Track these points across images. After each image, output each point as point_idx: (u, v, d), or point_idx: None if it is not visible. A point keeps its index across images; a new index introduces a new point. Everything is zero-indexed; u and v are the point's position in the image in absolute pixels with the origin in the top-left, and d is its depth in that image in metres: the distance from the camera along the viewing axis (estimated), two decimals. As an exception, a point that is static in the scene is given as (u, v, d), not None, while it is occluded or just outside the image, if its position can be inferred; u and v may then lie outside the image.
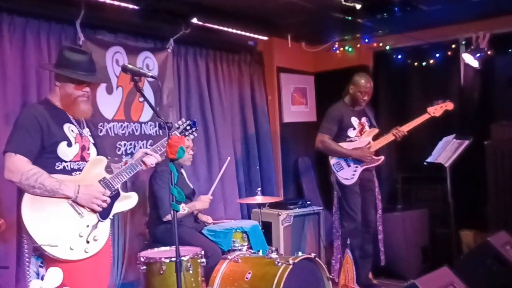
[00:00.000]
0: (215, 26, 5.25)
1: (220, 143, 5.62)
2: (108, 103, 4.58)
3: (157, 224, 4.28)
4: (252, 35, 5.76)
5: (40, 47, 4.14)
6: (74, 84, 2.92)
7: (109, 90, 4.57)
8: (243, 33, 5.60)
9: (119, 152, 4.63)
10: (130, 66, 2.73)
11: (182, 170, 4.56)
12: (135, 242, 4.77)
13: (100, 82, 3.21)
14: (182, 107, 5.33)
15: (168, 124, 2.70)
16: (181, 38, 5.13)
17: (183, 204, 3.94)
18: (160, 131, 4.93)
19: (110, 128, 4.59)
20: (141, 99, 4.79)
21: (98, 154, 3.08)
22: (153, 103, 4.93)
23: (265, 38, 5.97)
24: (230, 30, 5.42)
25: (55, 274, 2.14)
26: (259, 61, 6.33)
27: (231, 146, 5.81)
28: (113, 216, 4.52)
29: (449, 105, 5.08)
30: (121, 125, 4.69)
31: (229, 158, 4.87)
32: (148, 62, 4.93)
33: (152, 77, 2.79)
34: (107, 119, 4.58)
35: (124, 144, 4.70)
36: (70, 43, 4.30)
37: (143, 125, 4.88)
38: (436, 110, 5.04)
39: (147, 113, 4.91)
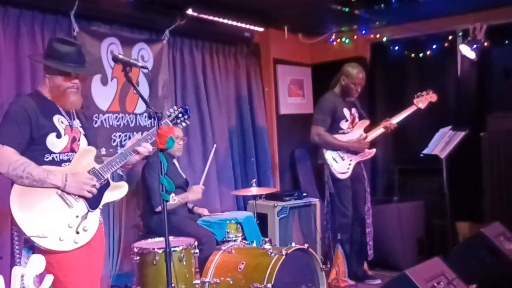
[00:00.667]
0: (211, 18, 5.23)
1: (216, 135, 5.61)
2: (103, 95, 4.58)
3: (151, 215, 4.29)
4: (248, 26, 5.73)
5: (34, 38, 4.14)
6: (63, 76, 2.90)
7: (104, 81, 4.57)
8: (239, 24, 5.57)
9: (114, 144, 4.63)
10: (120, 56, 2.72)
11: (175, 161, 4.57)
12: (130, 234, 4.78)
13: (89, 74, 3.17)
14: (177, 99, 5.32)
15: (158, 114, 2.70)
16: (177, 29, 5.11)
17: (173, 194, 3.94)
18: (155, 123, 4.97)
19: (105, 119, 4.59)
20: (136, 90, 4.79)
21: (88, 145, 3.08)
22: (148, 94, 4.96)
23: (261, 29, 5.94)
24: (226, 21, 5.39)
25: (37, 261, 2.12)
26: (255, 53, 6.31)
27: (227, 137, 5.81)
28: (108, 207, 4.59)
29: (433, 97, 5.07)
30: (116, 117, 4.70)
31: (215, 145, 4.81)
32: (143, 53, 4.93)
33: (142, 67, 2.78)
34: (101, 111, 4.58)
35: (119, 136, 4.71)
36: (65, 34, 4.29)
37: (138, 116, 4.88)
38: (422, 101, 5.03)
39: (142, 105, 4.90)
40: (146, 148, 3.05)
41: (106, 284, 4.58)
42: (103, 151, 4.50)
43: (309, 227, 5.79)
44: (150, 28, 5.04)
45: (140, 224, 4.60)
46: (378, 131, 5.01)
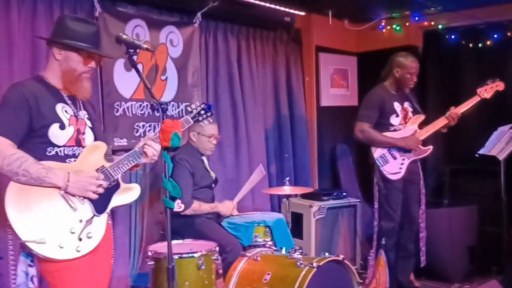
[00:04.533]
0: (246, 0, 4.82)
1: (249, 128, 5.22)
2: (126, 81, 4.24)
3: (174, 215, 3.94)
4: (289, 10, 5.30)
5: (52, 19, 3.81)
6: (83, 59, 2.60)
7: (128, 67, 4.22)
8: (278, 7, 5.14)
9: (137, 134, 4.31)
10: (124, 36, 2.38)
11: (203, 158, 4.20)
12: (154, 232, 4.47)
13: (110, 57, 2.88)
14: (209, 87, 4.95)
15: (162, 106, 2.32)
16: (210, 12, 4.73)
17: (178, 201, 3.58)
18: (184, 113, 4.62)
19: (127, 107, 4.27)
20: (163, 77, 4.50)
21: (96, 140, 2.75)
22: (176, 82, 4.63)
23: (303, 14, 5.51)
24: (264, 4, 4.98)
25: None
26: (296, 40, 5.88)
27: (262, 131, 5.41)
28: (131, 204, 4.27)
29: (500, 85, 4.60)
30: (140, 105, 4.36)
31: (260, 165, 4.49)
32: (172, 37, 4.57)
33: (147, 49, 2.43)
34: (124, 98, 4.25)
35: (143, 126, 4.38)
36: (86, 15, 3.98)
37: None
38: (486, 91, 4.55)
39: (170, 92, 4.56)
40: (156, 148, 2.69)
41: (125, 284, 4.31)
42: (125, 141, 4.20)
43: (349, 230, 5.37)
44: (180, 10, 4.67)
45: (162, 222, 4.28)
46: (438, 125, 4.56)
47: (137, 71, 2.40)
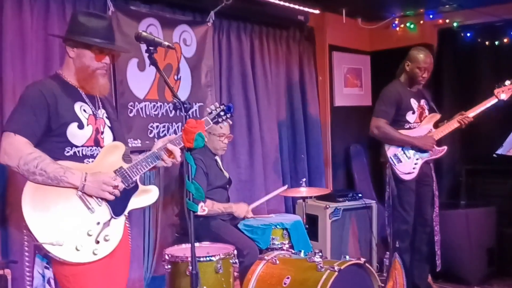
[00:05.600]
0: (260, -2, 4.75)
1: (263, 128, 5.14)
2: (140, 81, 4.18)
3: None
4: (302, 8, 5.21)
5: (64, 17, 3.76)
6: (94, 55, 2.53)
7: (141, 67, 4.17)
8: (292, 6, 5.06)
9: (151, 135, 4.23)
10: (144, 34, 2.30)
11: (217, 157, 4.11)
12: (168, 234, 4.40)
13: (124, 51, 2.81)
14: (222, 87, 4.88)
15: (185, 105, 2.24)
16: (223, 10, 4.65)
17: (202, 204, 3.49)
18: (198, 113, 4.55)
19: (141, 108, 4.19)
20: (177, 76, 4.41)
21: (115, 140, 2.68)
22: (190, 81, 4.56)
23: (317, 12, 5.42)
24: (277, 2, 4.89)
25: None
26: (309, 38, 5.79)
27: (276, 131, 5.33)
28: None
29: None
30: (154, 106, 4.29)
31: (286, 186, 4.49)
32: (186, 36, 4.50)
33: (169, 46, 2.35)
34: (138, 99, 4.18)
35: (157, 126, 4.31)
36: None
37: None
38: (504, 92, 4.38)
39: (183, 93, 4.49)
40: (178, 152, 2.62)
41: (140, 287, 4.24)
42: (139, 142, 4.13)
43: (364, 231, 5.29)
44: (193, 8, 4.60)
45: (177, 224, 4.20)
46: (451, 126, 4.42)
47: (158, 69, 2.32)
